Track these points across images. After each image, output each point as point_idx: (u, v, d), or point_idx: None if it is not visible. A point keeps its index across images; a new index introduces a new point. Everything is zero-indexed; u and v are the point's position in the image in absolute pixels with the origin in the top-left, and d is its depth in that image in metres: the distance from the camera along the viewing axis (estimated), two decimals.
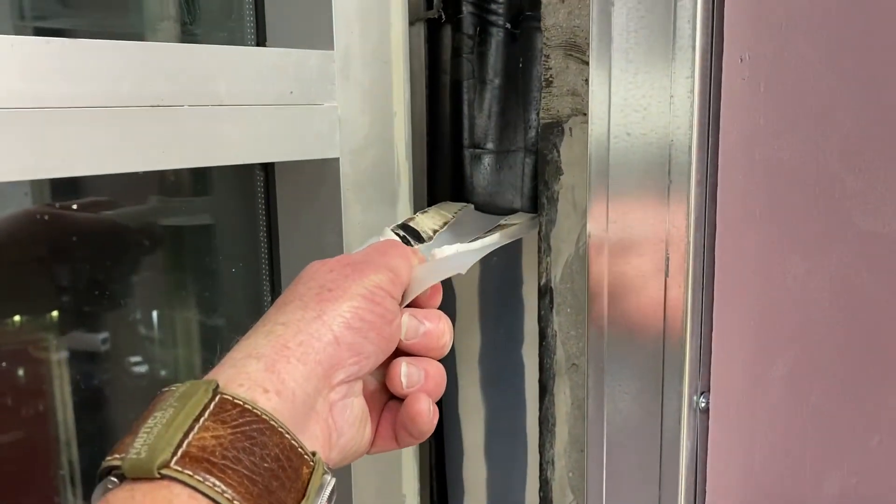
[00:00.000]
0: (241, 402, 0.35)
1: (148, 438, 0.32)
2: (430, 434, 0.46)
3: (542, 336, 0.59)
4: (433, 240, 0.55)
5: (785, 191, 0.41)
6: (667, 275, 0.44)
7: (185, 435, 0.33)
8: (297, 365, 0.38)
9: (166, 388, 0.36)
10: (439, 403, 0.70)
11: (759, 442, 0.44)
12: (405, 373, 0.45)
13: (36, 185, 0.55)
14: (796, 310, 0.42)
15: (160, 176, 0.58)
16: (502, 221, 0.58)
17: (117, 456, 0.32)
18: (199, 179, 0.60)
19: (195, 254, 0.63)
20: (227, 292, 0.63)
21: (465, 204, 0.61)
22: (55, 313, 0.60)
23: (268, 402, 0.36)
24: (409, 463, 0.61)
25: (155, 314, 0.65)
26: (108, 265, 0.61)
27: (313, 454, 0.37)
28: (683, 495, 0.46)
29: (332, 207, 0.53)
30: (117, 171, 0.38)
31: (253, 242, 0.60)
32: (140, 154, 0.40)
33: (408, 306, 0.46)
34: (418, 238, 0.54)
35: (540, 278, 0.58)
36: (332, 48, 0.50)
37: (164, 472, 0.31)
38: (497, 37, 0.58)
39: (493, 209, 0.60)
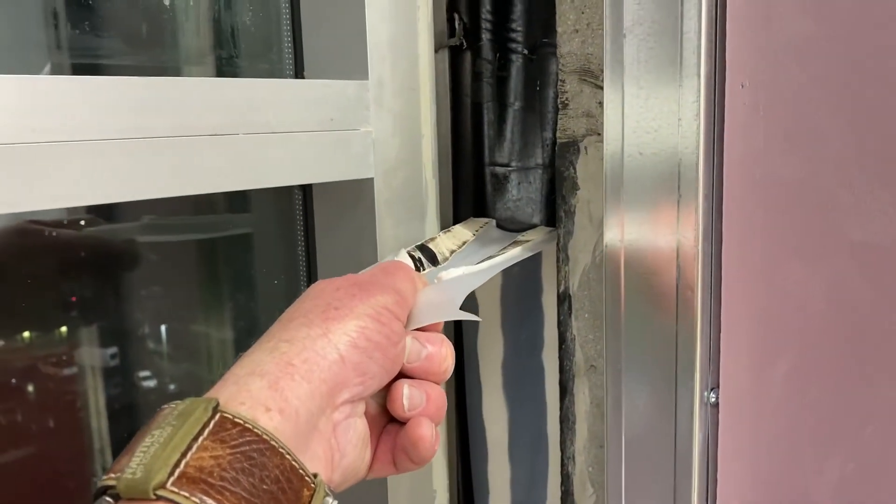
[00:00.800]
0: (242, 422, 0.34)
1: (144, 458, 0.31)
2: (430, 460, 0.45)
3: (562, 340, 0.62)
4: (448, 260, 0.55)
5: (784, 205, 0.44)
6: (678, 281, 0.47)
7: (183, 455, 0.32)
8: (302, 383, 0.37)
9: (166, 406, 0.35)
10: (462, 408, 0.74)
11: (764, 433, 0.47)
12: (407, 395, 0.44)
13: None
14: (796, 313, 0.44)
15: (208, 196, 0.62)
16: (518, 238, 0.60)
17: (112, 475, 0.31)
18: (242, 200, 0.64)
19: (238, 269, 0.66)
20: (268, 305, 0.67)
21: (487, 221, 0.64)
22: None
23: (269, 422, 0.35)
24: (439, 459, 0.65)
25: (194, 328, 0.67)
26: (153, 282, 0.65)
27: (314, 476, 0.36)
28: (697, 483, 0.49)
29: (367, 223, 0.57)
30: (185, 194, 0.42)
31: (292, 257, 0.64)
32: (203, 178, 0.44)
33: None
34: (433, 260, 0.54)
35: (559, 286, 0.61)
36: (367, 78, 0.54)
37: (159, 492, 0.30)
38: (517, 63, 0.62)
39: (514, 224, 0.63)
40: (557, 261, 0.61)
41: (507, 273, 0.68)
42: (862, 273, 0.42)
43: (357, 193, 0.57)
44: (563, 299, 0.61)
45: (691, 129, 0.45)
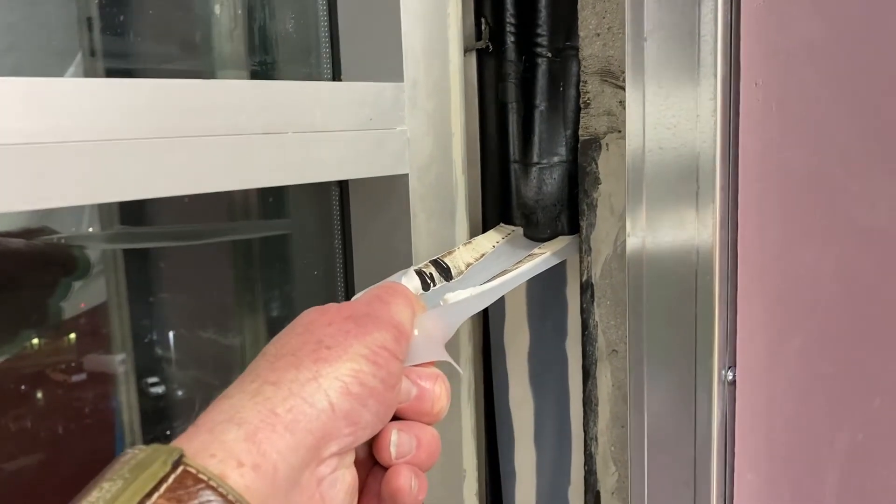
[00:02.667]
0: (206, 479, 0.30)
1: None
2: None
3: (585, 326, 0.65)
4: (463, 273, 0.54)
5: (795, 194, 0.46)
6: (697, 266, 0.50)
7: None
8: (284, 434, 0.33)
9: (129, 450, 0.32)
10: (489, 397, 0.77)
11: (778, 407, 0.49)
12: (395, 442, 0.40)
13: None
14: (807, 294, 0.47)
15: (248, 192, 0.66)
16: (534, 251, 0.61)
17: None
18: (281, 198, 0.68)
19: (278, 265, 0.70)
20: (306, 298, 0.69)
21: (514, 229, 0.66)
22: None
23: (240, 479, 0.31)
24: (468, 441, 0.68)
25: (233, 323, 0.70)
26: (195, 277, 0.68)
27: None
28: (715, 457, 0.51)
29: (402, 217, 0.60)
30: (242, 188, 0.46)
31: (329, 251, 0.67)
32: (257, 173, 0.48)
33: None
34: (447, 274, 0.53)
35: (581, 276, 0.65)
36: (402, 80, 0.57)
37: None
38: (541, 65, 0.65)
39: (538, 226, 0.65)
40: (580, 252, 0.64)
41: None
42: (869, 255, 0.44)
43: (393, 189, 0.60)
44: (586, 288, 0.64)
45: (708, 124, 0.48)
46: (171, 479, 0.30)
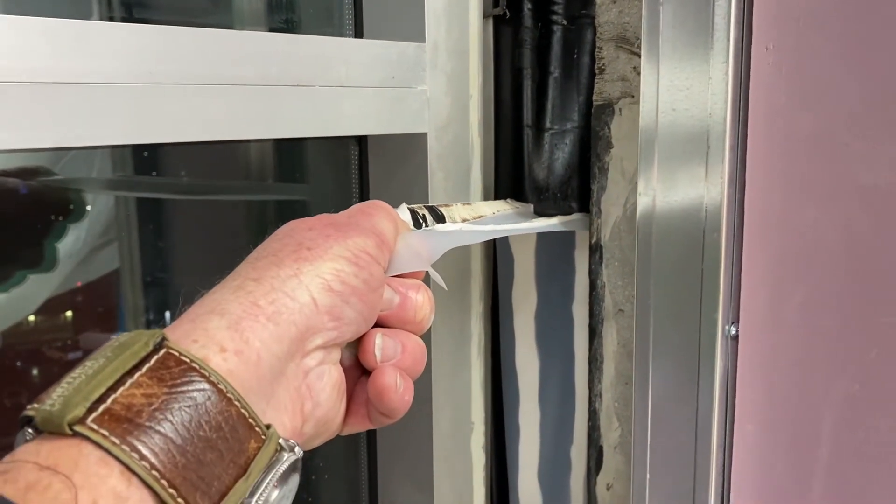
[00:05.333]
0: (188, 360, 0.30)
1: (66, 390, 0.28)
2: (403, 413, 0.41)
3: (592, 287, 0.67)
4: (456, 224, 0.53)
5: (801, 153, 0.48)
6: (705, 224, 0.52)
7: (112, 389, 0.28)
8: (267, 324, 0.34)
9: (115, 337, 0.31)
10: (496, 356, 0.79)
11: (779, 360, 0.51)
12: (380, 345, 0.41)
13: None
14: (809, 251, 0.49)
15: (273, 147, 0.68)
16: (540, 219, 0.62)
17: (34, 406, 0.28)
18: (300, 152, 0.70)
19: (296, 216, 0.72)
20: None
21: (524, 206, 0.67)
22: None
23: (223, 363, 0.31)
24: (476, 395, 0.70)
25: None
26: (214, 228, 0.70)
27: (267, 427, 0.32)
28: (717, 409, 0.53)
29: (420, 175, 0.62)
30: (272, 137, 0.48)
31: (347, 206, 0.69)
32: (284, 124, 0.50)
33: None
34: (440, 221, 0.51)
35: (591, 238, 0.66)
36: (423, 41, 0.59)
37: (76, 428, 0.27)
38: (557, 32, 0.67)
39: (548, 197, 0.66)
40: (590, 215, 0.66)
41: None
42: (869, 214, 0.46)
43: (412, 147, 0.62)
44: (595, 249, 0.66)
45: (720, 87, 0.50)
46: (153, 360, 0.30)
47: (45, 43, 0.40)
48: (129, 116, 0.42)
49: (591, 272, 0.67)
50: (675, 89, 0.53)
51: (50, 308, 0.60)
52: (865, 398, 0.48)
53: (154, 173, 0.62)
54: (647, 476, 0.59)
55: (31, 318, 0.60)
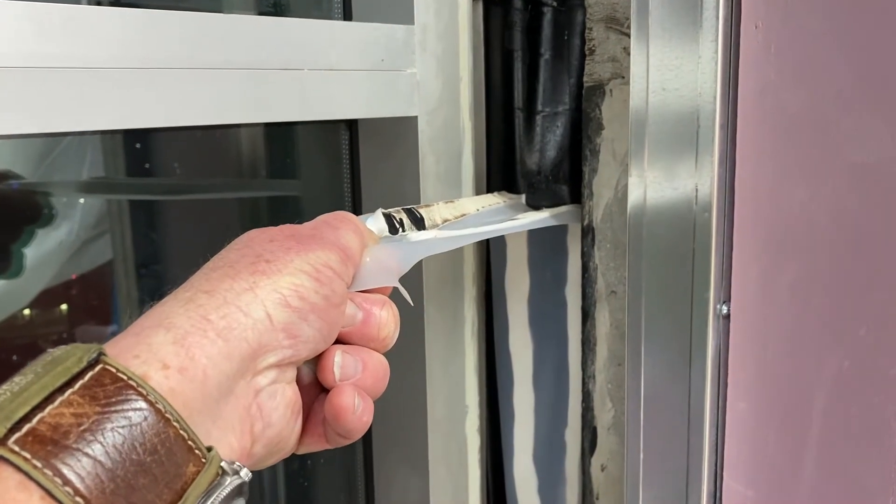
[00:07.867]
0: (126, 377, 0.28)
1: None
2: (360, 434, 0.39)
3: (585, 269, 0.67)
4: (437, 227, 0.52)
5: (790, 132, 0.48)
6: (696, 203, 0.52)
7: (39, 408, 0.26)
8: (216, 340, 0.32)
9: (49, 350, 0.29)
10: (490, 341, 0.79)
11: (770, 338, 0.51)
12: (339, 363, 0.39)
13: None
14: (800, 229, 0.49)
15: (263, 132, 0.67)
16: (519, 216, 0.61)
17: None
18: (291, 137, 0.70)
19: (285, 206, 0.71)
20: None
21: (512, 197, 0.67)
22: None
23: (164, 381, 0.30)
24: (470, 379, 0.70)
25: None
26: (204, 213, 0.70)
27: (209, 449, 0.30)
28: (709, 388, 0.53)
29: (411, 159, 0.61)
30: (262, 121, 0.48)
31: (338, 194, 0.69)
32: (273, 108, 0.50)
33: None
34: (419, 225, 0.50)
35: (583, 220, 0.67)
36: (413, 23, 0.59)
37: None
38: (547, 14, 0.67)
39: (542, 177, 0.66)
40: (582, 197, 0.66)
41: None
42: (857, 191, 0.46)
43: (402, 131, 0.62)
44: (587, 232, 0.66)
45: (709, 65, 0.50)
46: (87, 377, 0.28)
47: (33, 27, 0.39)
48: (117, 101, 0.42)
49: (583, 254, 0.67)
50: (665, 69, 0.53)
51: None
52: (856, 375, 0.48)
53: (145, 162, 0.62)
54: (641, 456, 0.59)
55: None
